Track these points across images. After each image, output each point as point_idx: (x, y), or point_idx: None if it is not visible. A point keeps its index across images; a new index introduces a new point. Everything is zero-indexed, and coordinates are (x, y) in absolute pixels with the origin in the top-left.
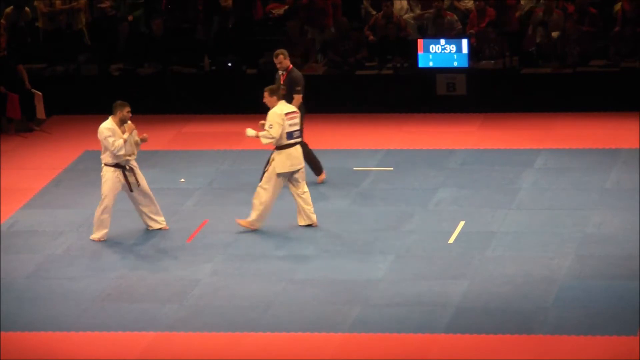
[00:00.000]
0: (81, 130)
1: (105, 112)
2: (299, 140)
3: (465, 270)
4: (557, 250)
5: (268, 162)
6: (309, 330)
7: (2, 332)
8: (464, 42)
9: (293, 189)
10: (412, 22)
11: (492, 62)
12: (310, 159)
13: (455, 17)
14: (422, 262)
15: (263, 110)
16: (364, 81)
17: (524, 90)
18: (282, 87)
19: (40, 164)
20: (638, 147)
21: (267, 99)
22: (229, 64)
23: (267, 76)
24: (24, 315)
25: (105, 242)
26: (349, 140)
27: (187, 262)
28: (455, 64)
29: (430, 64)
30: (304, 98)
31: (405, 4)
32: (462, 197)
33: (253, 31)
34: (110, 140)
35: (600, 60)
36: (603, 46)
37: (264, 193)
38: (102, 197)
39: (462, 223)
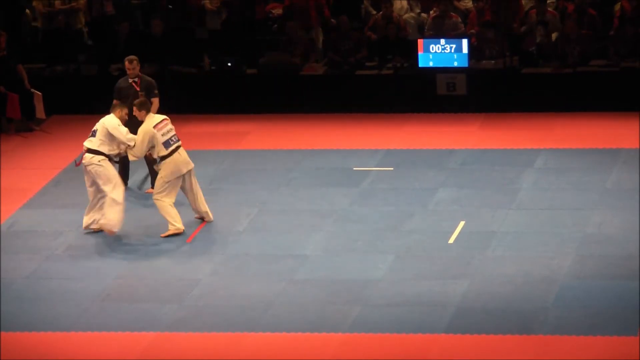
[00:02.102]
0: (81, 130)
1: (105, 112)
2: (179, 144)
3: (465, 270)
4: (557, 250)
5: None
6: (309, 330)
7: (2, 332)
8: (464, 41)
9: (185, 186)
10: (412, 22)
11: (493, 61)
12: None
13: (459, 19)
14: (422, 262)
15: (263, 110)
16: (364, 81)
17: (524, 90)
18: (140, 92)
19: (40, 163)
20: (638, 147)
21: (136, 113)
22: (229, 64)
23: (267, 76)
24: (24, 315)
25: (105, 242)
26: (349, 140)
27: (187, 262)
28: (456, 64)
29: (431, 64)
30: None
31: (405, 3)
32: (462, 197)
33: (253, 31)
34: (123, 129)
35: (601, 60)
36: (603, 46)
37: (163, 203)
38: (114, 182)
39: (462, 223)
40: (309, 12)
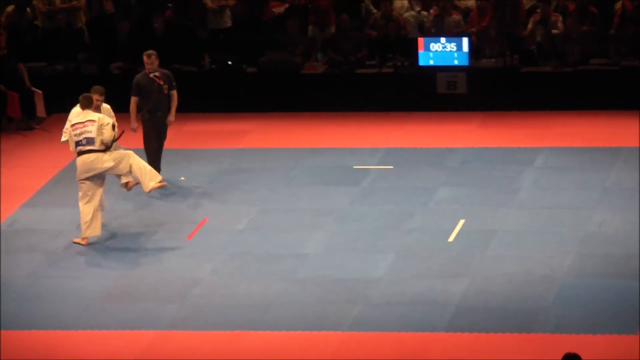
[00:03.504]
0: None
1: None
2: (86, 148)
3: (465, 269)
4: (557, 249)
5: None
6: (310, 329)
7: (3, 331)
8: (465, 40)
9: None
10: (412, 20)
11: (493, 60)
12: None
13: (460, 16)
14: (423, 260)
15: (264, 109)
16: (365, 80)
17: (524, 88)
18: (164, 86)
19: (40, 162)
20: (638, 145)
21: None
22: (229, 63)
23: (268, 75)
24: (24, 314)
25: (105, 241)
26: (350, 138)
27: (188, 261)
28: (456, 63)
29: (431, 63)
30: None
31: (405, 2)
32: (463, 195)
33: (253, 30)
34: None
35: (601, 58)
36: (603, 45)
37: (80, 204)
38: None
39: (462, 222)
40: (327, 10)
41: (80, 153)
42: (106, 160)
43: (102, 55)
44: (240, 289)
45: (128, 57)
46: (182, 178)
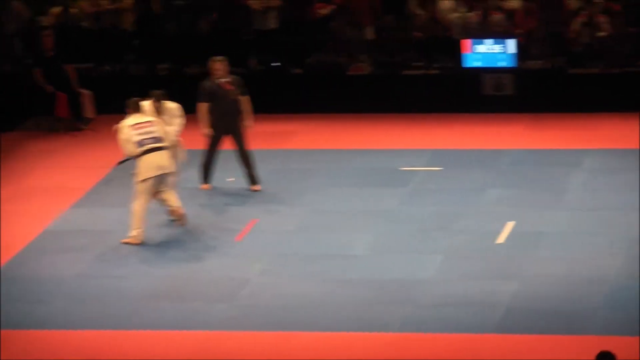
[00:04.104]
0: None
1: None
2: (152, 146)
3: (514, 270)
4: (606, 251)
5: None
6: (359, 329)
7: (53, 331)
8: (511, 42)
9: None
10: (458, 21)
11: (540, 62)
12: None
13: (502, 16)
14: (471, 262)
15: (309, 110)
16: (411, 81)
17: (571, 90)
18: (234, 91)
19: (90, 162)
20: None
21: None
22: (276, 64)
23: (313, 76)
24: (74, 313)
25: (154, 241)
26: (396, 140)
27: (236, 261)
28: (502, 64)
29: (477, 64)
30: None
31: (451, 3)
32: (511, 197)
33: (299, 31)
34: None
35: None
36: None
37: (133, 205)
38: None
39: (510, 223)
40: (361, 10)
41: (146, 152)
42: (170, 165)
43: (149, 56)
44: (289, 289)
45: (175, 58)
46: (232, 179)
